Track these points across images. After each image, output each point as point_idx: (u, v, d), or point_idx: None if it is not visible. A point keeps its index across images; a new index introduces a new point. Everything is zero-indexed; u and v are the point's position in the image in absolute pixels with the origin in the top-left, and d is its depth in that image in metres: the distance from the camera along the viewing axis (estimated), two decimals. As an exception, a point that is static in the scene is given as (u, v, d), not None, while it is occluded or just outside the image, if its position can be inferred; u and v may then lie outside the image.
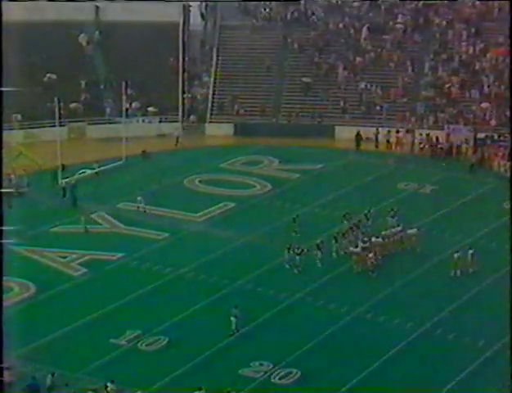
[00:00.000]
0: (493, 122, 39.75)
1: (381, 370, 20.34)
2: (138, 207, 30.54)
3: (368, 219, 27.99)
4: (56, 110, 33.80)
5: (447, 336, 21.77)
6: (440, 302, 23.62)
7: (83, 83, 41.97)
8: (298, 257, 25.66)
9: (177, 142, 39.04)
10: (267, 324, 22.60)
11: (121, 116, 37.77)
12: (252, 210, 31.34)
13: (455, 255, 25.16)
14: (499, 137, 38.51)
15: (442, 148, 37.72)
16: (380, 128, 39.68)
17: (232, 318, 22.00)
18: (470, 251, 25.65)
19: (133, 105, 41.36)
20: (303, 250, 25.81)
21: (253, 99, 43.27)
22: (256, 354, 20.89)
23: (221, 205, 31.43)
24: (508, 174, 34.36)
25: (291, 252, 25.52)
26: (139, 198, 30.95)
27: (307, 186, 34.07)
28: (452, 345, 21.41)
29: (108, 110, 40.40)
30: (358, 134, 39.17)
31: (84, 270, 25.86)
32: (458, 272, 25.06)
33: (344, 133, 40.46)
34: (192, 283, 25.09)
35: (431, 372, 20.22)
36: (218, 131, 41.62)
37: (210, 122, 42.56)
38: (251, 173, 35.35)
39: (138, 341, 21.65)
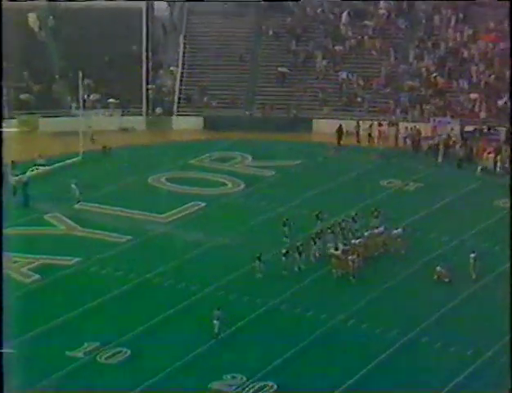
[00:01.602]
0: (482, 114, 40.27)
1: (363, 382, 20.41)
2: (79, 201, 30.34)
3: (356, 222, 28.09)
4: (5, 101, 33.32)
5: (434, 344, 21.92)
6: (426, 308, 23.78)
7: (35, 72, 41.46)
8: (284, 258, 25.76)
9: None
10: (241, 334, 22.58)
11: (78, 109, 37.46)
12: (223, 209, 31.34)
13: (438, 268, 25.31)
14: (489, 129, 39.03)
15: (427, 142, 38.10)
16: (362, 121, 39.97)
17: (215, 321, 22.03)
18: (472, 255, 25.50)
19: (92, 96, 41.05)
20: (288, 252, 25.89)
21: (225, 90, 43.27)
22: (228, 367, 20.85)
23: (189, 204, 31.37)
24: (499, 169, 34.90)
25: (262, 261, 25.46)
26: (73, 186, 30.94)
27: (284, 184, 34.15)
28: (439, 354, 21.54)
29: (73, 104, 39.86)
30: (340, 128, 39.39)
31: (37, 276, 25.56)
32: (446, 279, 25.18)
33: (323, 127, 40.68)
34: (158, 290, 24.96)
35: (417, 382, 20.36)
36: (186, 125, 41.54)
37: (177, 115, 42.46)
38: (222, 171, 35.33)
39: (97, 354, 21.45)
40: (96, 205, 31.16)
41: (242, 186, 33.71)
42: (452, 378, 20.28)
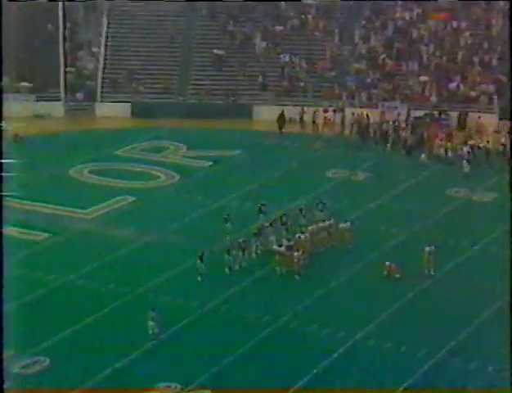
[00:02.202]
0: (433, 98, 41.24)
1: (309, 387, 20.47)
2: None
3: (304, 216, 28.25)
4: None
5: (384, 345, 22.22)
6: (375, 306, 24.10)
7: None
8: (227, 255, 25.81)
9: None
10: (176, 338, 22.46)
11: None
12: (156, 204, 31.21)
13: (387, 263, 25.69)
14: (440, 114, 40.05)
15: (375, 129, 38.69)
16: (306, 107, 40.30)
17: (150, 322, 21.95)
18: (427, 248, 25.77)
19: (0, 79, 40.04)
20: (229, 251, 25.94)
21: (155, 74, 43.02)
22: (161, 374, 20.69)
23: (117, 199, 31.18)
24: (451, 156, 35.75)
25: (204, 262, 25.35)
26: None
27: (222, 175, 34.26)
28: (390, 355, 21.83)
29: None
30: (282, 115, 39.64)
31: None
32: (397, 275, 25.54)
33: (264, 114, 40.93)
34: (81, 293, 24.64)
35: (367, 385, 20.56)
36: (112, 112, 41.10)
37: (101, 101, 41.89)
38: (154, 162, 35.21)
39: (11, 363, 20.85)
40: (7, 199, 30.33)
41: (176, 178, 33.64)
42: (404, 380, 20.52)
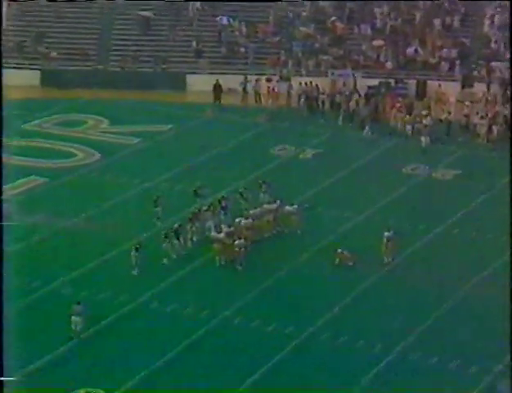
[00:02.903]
0: (389, 64, 41.81)
1: (255, 389, 20.67)
2: None
3: (246, 200, 28.43)
4: None
5: (337, 339, 22.62)
6: (327, 299, 24.47)
7: None
8: (164, 244, 25.83)
9: None
10: (99, 339, 22.39)
11: None
12: (72, 186, 31.07)
13: (339, 250, 26.08)
14: (396, 83, 40.62)
15: (324, 100, 38.96)
16: (248, 76, 40.37)
17: (74, 318, 21.89)
18: (387, 234, 26.19)
19: None
20: (166, 236, 25.98)
21: (70, 38, 42.55)
22: (82, 381, 20.60)
23: (25, 180, 30.92)
24: (409, 129, 36.30)
25: (139, 253, 25.29)
26: None
27: (151, 154, 34.19)
28: (343, 350, 22.23)
29: None
30: (217, 85, 39.66)
31: None
32: (350, 263, 25.94)
33: (199, 84, 40.86)
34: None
35: (321, 384, 20.90)
36: (17, 80, 39.92)
37: (5, 67, 40.89)
38: (69, 138, 34.97)
39: None
40: None
41: (97, 157, 33.47)
42: (359, 377, 20.98)
